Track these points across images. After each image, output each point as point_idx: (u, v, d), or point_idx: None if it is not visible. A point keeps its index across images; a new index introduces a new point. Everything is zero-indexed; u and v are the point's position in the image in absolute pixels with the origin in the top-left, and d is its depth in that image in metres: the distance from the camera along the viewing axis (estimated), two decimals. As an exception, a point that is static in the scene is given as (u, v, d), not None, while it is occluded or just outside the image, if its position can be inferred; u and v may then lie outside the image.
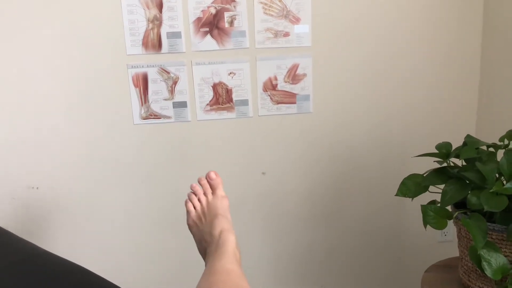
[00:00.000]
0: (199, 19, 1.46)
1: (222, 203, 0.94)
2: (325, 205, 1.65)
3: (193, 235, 0.96)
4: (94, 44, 1.45)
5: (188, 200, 0.98)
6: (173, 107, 1.52)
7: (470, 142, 1.13)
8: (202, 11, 1.45)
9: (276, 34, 1.49)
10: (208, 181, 0.98)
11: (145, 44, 1.46)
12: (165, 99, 1.51)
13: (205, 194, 0.97)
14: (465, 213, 1.04)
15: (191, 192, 0.99)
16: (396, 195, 1.14)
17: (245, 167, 1.59)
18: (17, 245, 1.03)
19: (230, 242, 0.81)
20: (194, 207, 0.96)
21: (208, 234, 0.87)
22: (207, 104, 1.53)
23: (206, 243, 0.88)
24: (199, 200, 0.96)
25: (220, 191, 0.97)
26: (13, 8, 1.40)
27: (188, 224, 0.97)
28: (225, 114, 1.54)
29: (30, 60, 1.44)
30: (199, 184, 0.99)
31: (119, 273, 1.61)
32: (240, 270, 0.77)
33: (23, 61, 1.44)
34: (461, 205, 1.08)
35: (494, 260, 0.96)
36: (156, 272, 1.64)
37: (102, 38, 1.45)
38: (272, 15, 1.48)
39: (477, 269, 1.01)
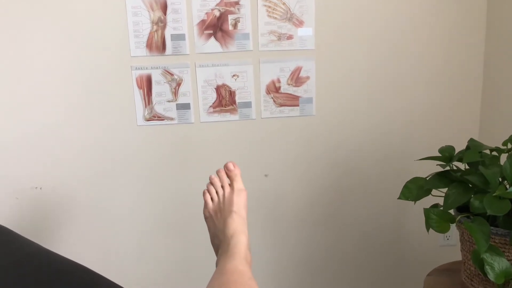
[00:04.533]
0: (203, 21, 1.47)
1: (239, 198, 0.91)
2: (327, 207, 1.65)
3: (208, 227, 0.93)
4: (99, 45, 1.46)
5: (206, 191, 0.95)
6: (177, 109, 1.52)
7: (473, 146, 1.12)
8: (206, 13, 1.46)
9: (280, 37, 1.50)
10: (226, 172, 0.94)
11: (149, 46, 1.47)
12: (169, 101, 1.52)
13: (222, 186, 0.94)
14: (468, 217, 1.04)
15: (209, 183, 0.96)
16: (399, 198, 1.13)
17: (248, 169, 1.59)
18: (21, 244, 1.03)
19: (242, 244, 0.81)
20: (212, 199, 0.93)
21: (221, 232, 0.86)
22: (210, 106, 1.53)
23: (218, 240, 0.87)
24: (216, 192, 0.93)
25: (238, 184, 0.94)
26: (18, 9, 1.41)
27: (204, 215, 0.94)
28: (228, 116, 1.54)
29: (34, 61, 1.45)
30: (217, 176, 0.96)
31: (122, 273, 1.61)
32: (251, 272, 0.77)
33: (27, 62, 1.45)
34: (464, 209, 1.08)
35: (497, 264, 0.96)
36: (158, 273, 1.64)
37: (107, 39, 1.46)
38: (275, 18, 1.48)
39: (480, 273, 1.00)
